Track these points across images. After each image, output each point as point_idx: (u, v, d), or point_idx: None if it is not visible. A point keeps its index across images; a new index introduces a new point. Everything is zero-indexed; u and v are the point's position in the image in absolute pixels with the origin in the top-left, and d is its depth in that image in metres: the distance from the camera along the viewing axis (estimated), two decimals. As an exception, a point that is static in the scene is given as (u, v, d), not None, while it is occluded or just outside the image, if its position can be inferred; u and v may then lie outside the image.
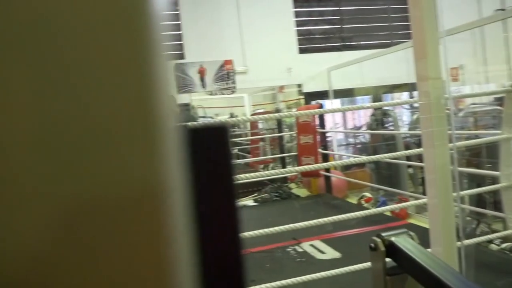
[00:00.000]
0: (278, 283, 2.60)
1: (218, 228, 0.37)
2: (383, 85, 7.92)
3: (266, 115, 5.63)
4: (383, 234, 1.18)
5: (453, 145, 2.02)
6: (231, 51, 7.11)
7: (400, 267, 1.13)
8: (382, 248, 1.15)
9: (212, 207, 0.33)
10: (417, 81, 1.82)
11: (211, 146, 0.35)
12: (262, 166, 8.64)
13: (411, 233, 1.20)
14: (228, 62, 7.08)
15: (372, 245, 1.17)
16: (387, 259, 1.15)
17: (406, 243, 1.14)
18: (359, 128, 8.29)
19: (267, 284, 2.62)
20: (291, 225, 2.75)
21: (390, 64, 6.47)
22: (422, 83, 1.78)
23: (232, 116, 9.73)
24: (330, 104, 7.53)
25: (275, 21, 7.27)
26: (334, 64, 7.23)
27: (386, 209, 3.92)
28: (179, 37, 6.98)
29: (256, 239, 2.74)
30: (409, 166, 5.74)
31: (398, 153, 3.83)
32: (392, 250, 1.14)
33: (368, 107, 4.55)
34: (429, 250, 1.82)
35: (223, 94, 7.32)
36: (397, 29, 7.99)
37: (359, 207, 5.46)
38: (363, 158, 4.17)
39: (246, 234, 2.70)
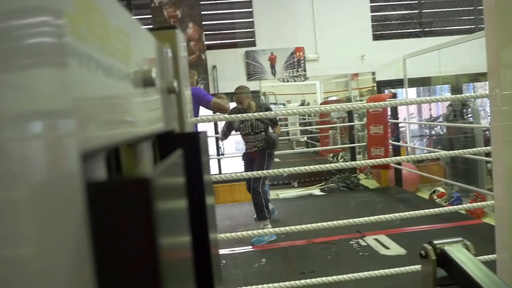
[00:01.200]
0: (339, 277, 2.57)
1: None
2: (465, 74, 7.44)
3: (331, 106, 5.54)
4: (436, 242, 1.12)
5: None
6: (303, 38, 7.03)
7: (451, 278, 1.08)
8: (433, 257, 1.10)
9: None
10: (490, 71, 1.69)
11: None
12: (331, 155, 8.53)
13: (467, 242, 1.14)
14: (299, 49, 7.02)
15: (423, 252, 1.12)
16: (439, 269, 1.10)
17: (459, 253, 1.08)
18: (436, 119, 7.88)
19: (329, 277, 2.61)
20: (355, 220, 2.70)
21: (474, 51, 6.04)
22: (505, 71, 1.65)
23: (303, 103, 9.70)
24: (405, 93, 7.23)
25: (350, 7, 7.07)
26: (410, 52, 6.91)
27: (461, 208, 3.72)
28: (251, 25, 7.03)
29: (318, 230, 2.73)
30: (488, 162, 5.38)
31: (476, 149, 3.60)
32: (444, 259, 1.09)
33: (442, 100, 4.30)
34: (494, 256, 1.71)
35: (295, 81, 7.30)
36: (482, 14, 7.43)
37: (431, 202, 5.24)
38: (439, 153, 3.96)
39: (309, 225, 2.70)
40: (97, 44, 0.29)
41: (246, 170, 4.46)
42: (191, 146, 0.52)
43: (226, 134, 4.53)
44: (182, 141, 0.54)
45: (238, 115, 3.14)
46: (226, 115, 3.32)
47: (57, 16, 0.23)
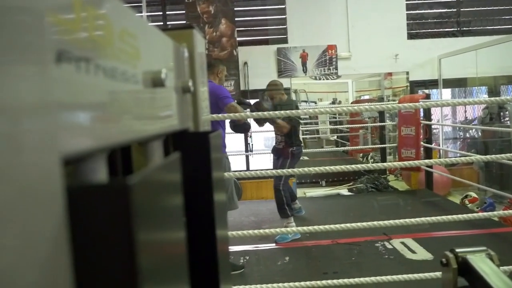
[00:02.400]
0: (362, 279, 2.54)
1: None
2: (504, 75, 7.19)
3: (360, 106, 5.46)
4: (458, 250, 1.09)
5: None
6: (335, 36, 6.95)
7: (472, 289, 1.05)
8: (454, 265, 1.07)
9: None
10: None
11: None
12: (361, 154, 8.42)
13: (492, 252, 1.10)
14: (331, 47, 6.95)
15: (444, 260, 1.10)
16: (460, 278, 1.07)
17: (482, 263, 1.05)
18: (471, 121, 7.64)
19: (351, 280, 2.58)
20: (380, 222, 2.66)
21: (515, 52, 5.84)
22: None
23: (334, 101, 9.61)
24: (439, 94, 7.04)
25: (384, 5, 6.93)
26: (446, 51, 6.72)
27: (493, 214, 3.61)
28: (283, 22, 7.00)
29: (344, 230, 2.70)
30: (525, 168, 5.19)
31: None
32: (465, 268, 1.06)
33: (476, 103, 4.18)
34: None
35: (326, 79, 7.23)
36: (525, 13, 7.15)
37: (462, 207, 5.10)
38: (473, 157, 3.84)
39: (334, 226, 2.68)
40: (97, 47, 0.30)
41: (275, 164, 4.48)
42: (201, 145, 0.53)
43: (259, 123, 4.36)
44: (194, 140, 0.54)
45: (254, 113, 3.13)
46: (242, 114, 3.31)
47: (50, 18, 0.24)
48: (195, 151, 0.52)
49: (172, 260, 0.39)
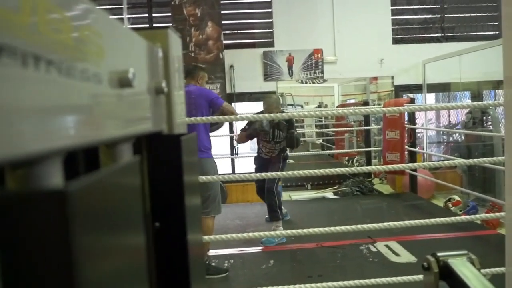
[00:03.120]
0: (346, 283, 2.54)
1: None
2: (487, 81, 7.30)
3: (346, 109, 5.51)
4: (439, 254, 1.09)
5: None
6: (321, 40, 6.99)
7: (454, 293, 1.04)
8: (436, 269, 1.07)
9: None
10: (506, 78, 1.64)
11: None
12: (346, 158, 8.46)
13: (473, 256, 1.10)
14: (317, 51, 6.98)
15: (425, 264, 1.09)
16: (441, 282, 1.07)
17: (463, 267, 1.05)
18: (454, 126, 7.74)
19: (335, 283, 2.57)
20: (364, 226, 2.66)
21: (497, 58, 5.92)
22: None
23: (320, 105, 9.64)
24: (424, 99, 7.12)
25: (370, 10, 6.99)
26: (430, 57, 6.80)
27: (476, 217, 3.65)
28: (270, 25, 7.01)
29: (328, 233, 2.70)
30: (507, 171, 5.26)
31: (494, 158, 3.52)
32: (447, 272, 1.06)
33: (459, 107, 4.23)
34: (503, 269, 1.66)
35: (312, 82, 7.26)
36: (507, 20, 7.25)
37: (445, 210, 5.15)
38: (456, 160, 3.88)
39: (318, 229, 2.67)
40: (50, 44, 0.28)
41: (259, 171, 4.44)
42: (174, 148, 0.51)
43: (244, 138, 4.38)
44: (166, 143, 0.53)
45: (238, 116, 3.17)
46: (225, 117, 3.31)
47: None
48: (167, 154, 0.51)
49: (126, 267, 0.37)
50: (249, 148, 8.57)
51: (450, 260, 1.08)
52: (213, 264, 3.46)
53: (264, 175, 3.95)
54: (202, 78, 3.55)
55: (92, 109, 0.35)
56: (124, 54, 0.45)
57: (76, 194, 0.24)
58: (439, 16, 7.35)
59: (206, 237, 2.71)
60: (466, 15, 7.40)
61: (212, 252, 3.76)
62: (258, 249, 3.95)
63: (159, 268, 0.51)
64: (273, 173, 4.01)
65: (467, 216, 3.78)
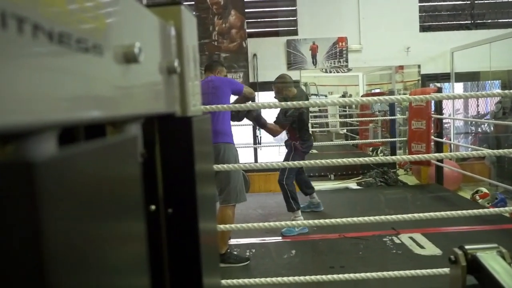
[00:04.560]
0: (368, 274, 2.49)
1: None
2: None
3: (371, 98, 5.40)
4: (467, 247, 1.04)
5: None
6: (346, 28, 6.86)
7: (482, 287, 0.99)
8: (463, 263, 1.02)
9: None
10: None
11: None
12: (370, 149, 8.34)
13: (503, 249, 1.05)
14: (341, 39, 6.85)
15: (452, 257, 1.04)
16: (469, 276, 1.02)
17: (493, 261, 1.00)
18: (483, 116, 7.51)
19: (357, 274, 2.53)
20: (387, 217, 2.60)
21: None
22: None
23: (344, 95, 9.52)
24: (451, 88, 6.92)
25: (397, -4, 6.82)
26: (459, 45, 6.59)
27: (504, 210, 3.54)
28: (293, 13, 6.92)
29: (351, 224, 2.65)
30: (538, 163, 5.09)
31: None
32: (475, 266, 1.01)
33: (489, 95, 4.09)
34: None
35: (337, 72, 7.15)
36: (542, 5, 6.98)
37: (472, 203, 5.01)
38: (485, 151, 3.75)
39: (340, 220, 2.63)
40: (35, 5, 0.25)
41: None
42: (185, 131, 0.48)
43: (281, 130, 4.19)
44: (177, 125, 0.50)
45: (248, 103, 3.12)
46: (242, 105, 3.24)
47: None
48: (178, 136, 0.48)
49: (110, 254, 0.34)
50: (271, 137, 8.53)
51: (479, 253, 1.03)
52: (234, 252, 3.46)
53: (286, 163, 3.93)
54: (220, 72, 3.53)
55: (90, 82, 0.32)
56: (130, 28, 0.42)
57: (46, 167, 0.22)
58: (469, 2, 7.11)
59: (227, 226, 2.71)
60: (497, 1, 7.13)
61: (233, 241, 3.76)
62: (279, 239, 3.93)
63: (170, 255, 0.48)
64: (285, 163, 4.00)
65: (496, 209, 3.66)
